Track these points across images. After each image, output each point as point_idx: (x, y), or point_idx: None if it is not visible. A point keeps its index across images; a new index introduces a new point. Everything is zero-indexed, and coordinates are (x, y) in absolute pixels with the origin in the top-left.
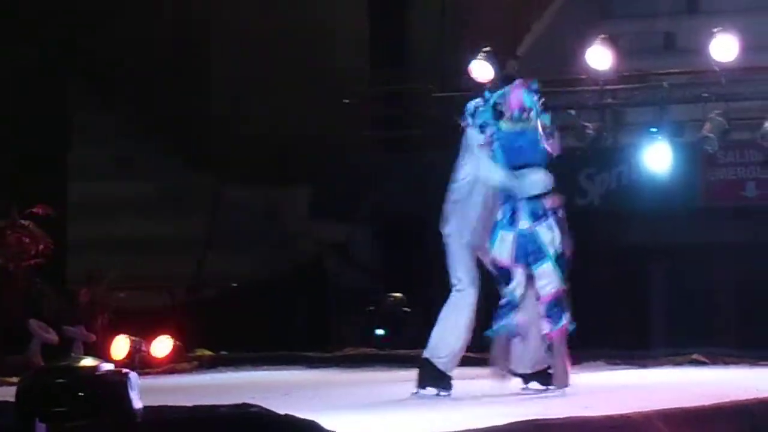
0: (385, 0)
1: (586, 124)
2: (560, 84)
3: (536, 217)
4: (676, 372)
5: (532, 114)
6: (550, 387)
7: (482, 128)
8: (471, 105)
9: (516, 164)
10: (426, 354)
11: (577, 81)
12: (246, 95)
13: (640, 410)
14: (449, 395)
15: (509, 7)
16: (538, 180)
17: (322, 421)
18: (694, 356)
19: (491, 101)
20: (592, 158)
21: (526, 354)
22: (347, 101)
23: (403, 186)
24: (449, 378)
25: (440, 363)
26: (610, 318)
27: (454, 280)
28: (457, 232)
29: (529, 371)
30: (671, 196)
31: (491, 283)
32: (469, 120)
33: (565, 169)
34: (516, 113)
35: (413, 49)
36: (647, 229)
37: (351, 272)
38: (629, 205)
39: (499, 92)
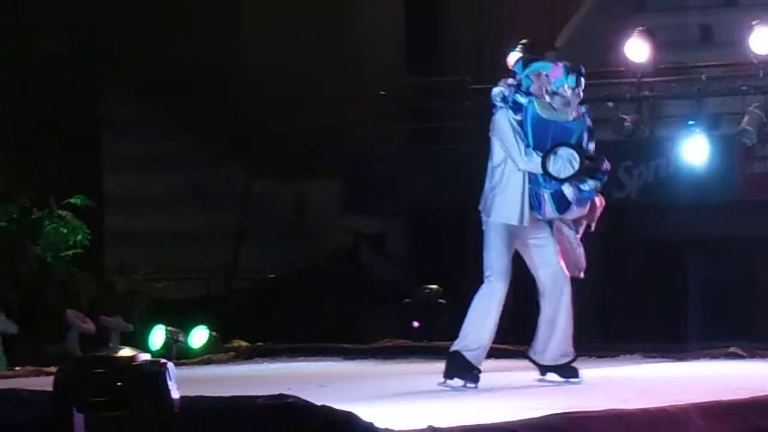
0: None
1: (624, 116)
2: (598, 76)
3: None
4: (713, 365)
5: (568, 93)
6: (571, 379)
7: (515, 107)
8: (496, 90)
9: (547, 144)
10: (456, 346)
11: (615, 73)
12: (278, 88)
13: (676, 403)
14: (476, 387)
15: (545, 0)
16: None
17: (359, 412)
18: (731, 349)
19: (526, 73)
20: (629, 151)
21: (551, 345)
22: (383, 93)
23: (438, 178)
24: (477, 370)
25: (469, 355)
26: (647, 311)
27: (486, 271)
28: (497, 218)
29: (551, 363)
30: (708, 189)
31: (522, 279)
32: (498, 103)
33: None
34: (554, 88)
35: (448, 41)
36: (684, 222)
37: (384, 264)
38: (667, 198)
39: (536, 66)
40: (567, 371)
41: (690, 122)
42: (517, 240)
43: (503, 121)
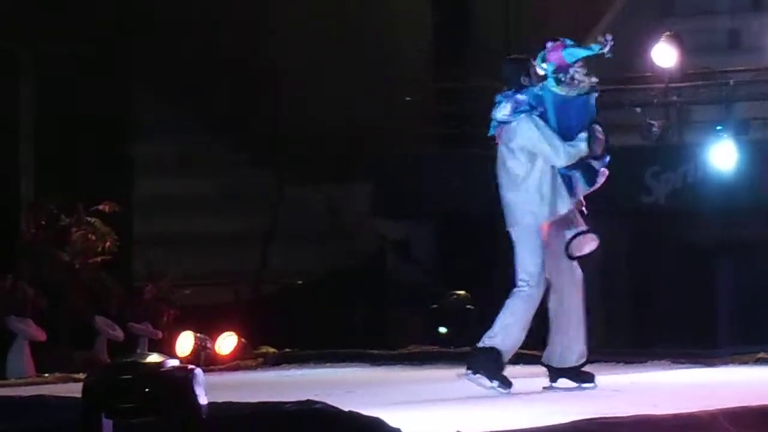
0: None
1: (652, 122)
2: (625, 82)
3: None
4: (743, 371)
5: (577, 71)
6: (583, 385)
7: (535, 102)
8: (506, 106)
9: (571, 120)
10: (491, 343)
11: (642, 79)
12: (308, 91)
13: (706, 409)
14: (508, 393)
15: (574, 3)
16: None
17: (386, 418)
18: (761, 355)
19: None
20: (657, 156)
21: (563, 347)
22: (408, 99)
23: (467, 183)
24: (504, 371)
25: (505, 356)
26: (676, 316)
27: (523, 276)
28: (523, 219)
29: (563, 366)
30: (737, 194)
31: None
32: (515, 115)
33: (630, 168)
34: (561, 75)
35: (478, 45)
36: (713, 227)
37: (412, 269)
38: (695, 203)
39: (540, 56)
40: (581, 376)
41: (718, 127)
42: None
43: (528, 128)
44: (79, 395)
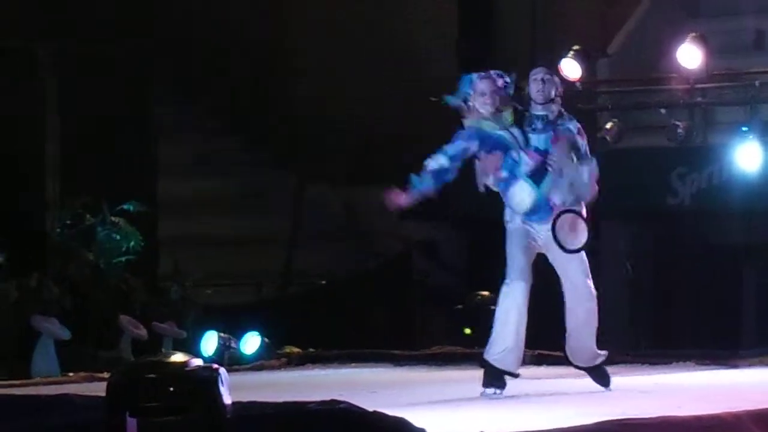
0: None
1: (677, 123)
2: (650, 82)
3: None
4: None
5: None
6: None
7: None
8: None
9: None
10: (484, 354)
11: (667, 80)
12: (330, 92)
13: (730, 410)
14: (501, 394)
15: (599, 6)
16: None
17: (411, 418)
18: None
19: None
20: (682, 158)
21: (576, 345)
22: (433, 99)
23: None
24: (509, 374)
25: (495, 360)
26: (701, 318)
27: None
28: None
29: (583, 365)
30: (762, 195)
31: (546, 282)
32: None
33: (656, 169)
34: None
35: (501, 47)
36: (739, 228)
37: (437, 270)
38: (721, 204)
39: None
40: (599, 376)
41: (743, 128)
42: (536, 242)
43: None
44: (104, 394)
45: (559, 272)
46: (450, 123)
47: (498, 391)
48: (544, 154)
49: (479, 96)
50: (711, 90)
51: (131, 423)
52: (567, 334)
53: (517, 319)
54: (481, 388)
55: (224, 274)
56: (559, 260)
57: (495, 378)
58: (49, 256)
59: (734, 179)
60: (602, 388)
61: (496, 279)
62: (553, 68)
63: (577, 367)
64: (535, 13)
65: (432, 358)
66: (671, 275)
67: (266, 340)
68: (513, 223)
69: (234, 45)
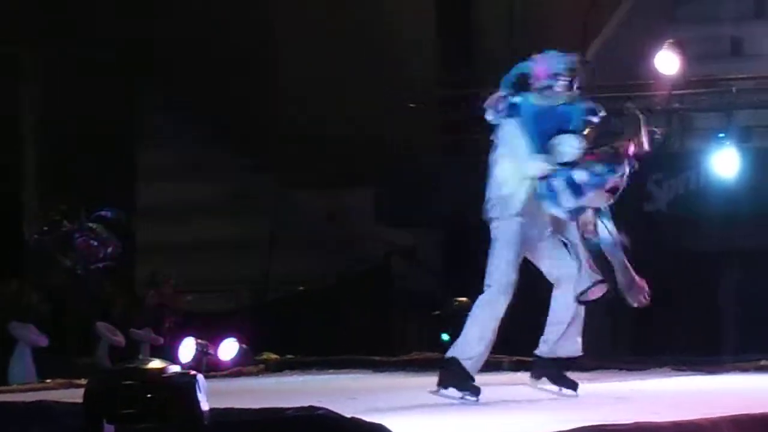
0: (454, 2)
1: (654, 129)
2: (628, 88)
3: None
4: (744, 378)
5: (562, 82)
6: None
7: (511, 111)
8: (488, 110)
9: (547, 137)
10: (452, 353)
11: (645, 86)
12: (312, 97)
13: (708, 416)
14: (477, 401)
15: (577, 12)
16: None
17: (389, 424)
18: (763, 362)
19: (512, 74)
20: (659, 163)
21: (563, 339)
22: (412, 105)
23: (470, 190)
24: (473, 380)
25: (467, 364)
26: (679, 324)
27: (487, 279)
28: (505, 216)
29: (549, 356)
30: (739, 201)
31: (528, 291)
32: (495, 118)
33: (633, 175)
34: (545, 82)
35: (481, 53)
36: (715, 234)
37: (416, 276)
38: (697, 210)
39: (522, 66)
40: (568, 383)
41: (720, 135)
42: (525, 247)
43: (507, 133)
44: (81, 401)
45: (545, 268)
46: (430, 129)
47: (471, 398)
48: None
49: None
50: (688, 96)
51: (109, 430)
52: (557, 329)
53: (492, 329)
54: (431, 388)
55: (203, 280)
56: (547, 260)
57: (464, 381)
58: (26, 262)
59: (711, 185)
60: (574, 393)
61: (475, 284)
62: None
63: (549, 371)
64: (514, 19)
65: (410, 364)
66: (648, 281)
67: (244, 346)
68: (507, 221)
69: (216, 50)
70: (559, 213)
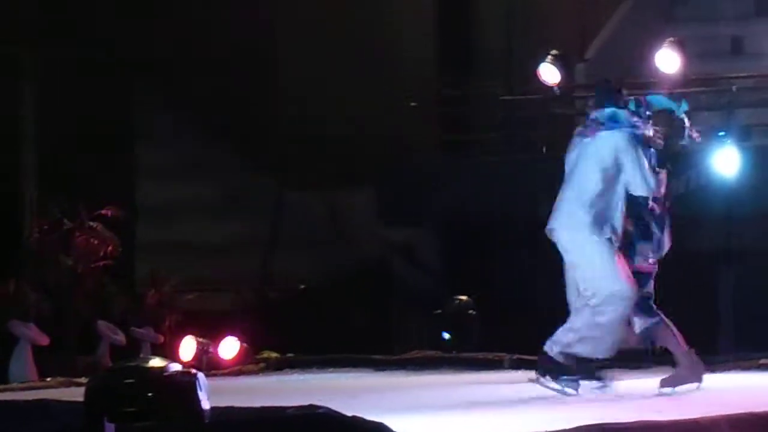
0: (453, 2)
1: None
2: (628, 87)
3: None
4: (744, 377)
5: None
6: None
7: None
8: (620, 112)
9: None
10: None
11: (645, 84)
12: (311, 96)
13: (708, 415)
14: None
15: (577, 11)
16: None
17: (390, 423)
18: (762, 361)
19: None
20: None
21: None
22: (413, 104)
23: (470, 189)
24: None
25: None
26: (679, 322)
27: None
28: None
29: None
30: (739, 200)
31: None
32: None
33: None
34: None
35: (481, 51)
36: (716, 233)
37: (416, 275)
38: (698, 209)
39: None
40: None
41: (720, 133)
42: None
43: (623, 142)
44: (82, 399)
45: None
46: (430, 129)
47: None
48: None
49: None
50: (689, 95)
51: (109, 428)
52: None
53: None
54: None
55: (204, 279)
56: None
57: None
58: (26, 261)
59: (712, 184)
60: (575, 392)
61: (475, 282)
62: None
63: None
64: (513, 18)
65: (411, 363)
66: None
67: (244, 345)
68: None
69: (216, 50)
70: None
